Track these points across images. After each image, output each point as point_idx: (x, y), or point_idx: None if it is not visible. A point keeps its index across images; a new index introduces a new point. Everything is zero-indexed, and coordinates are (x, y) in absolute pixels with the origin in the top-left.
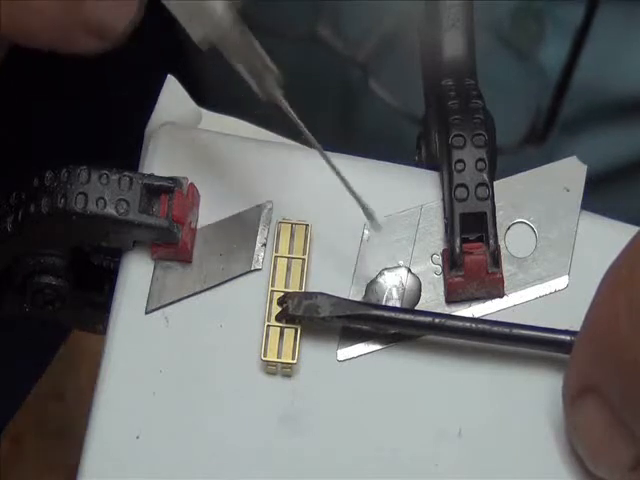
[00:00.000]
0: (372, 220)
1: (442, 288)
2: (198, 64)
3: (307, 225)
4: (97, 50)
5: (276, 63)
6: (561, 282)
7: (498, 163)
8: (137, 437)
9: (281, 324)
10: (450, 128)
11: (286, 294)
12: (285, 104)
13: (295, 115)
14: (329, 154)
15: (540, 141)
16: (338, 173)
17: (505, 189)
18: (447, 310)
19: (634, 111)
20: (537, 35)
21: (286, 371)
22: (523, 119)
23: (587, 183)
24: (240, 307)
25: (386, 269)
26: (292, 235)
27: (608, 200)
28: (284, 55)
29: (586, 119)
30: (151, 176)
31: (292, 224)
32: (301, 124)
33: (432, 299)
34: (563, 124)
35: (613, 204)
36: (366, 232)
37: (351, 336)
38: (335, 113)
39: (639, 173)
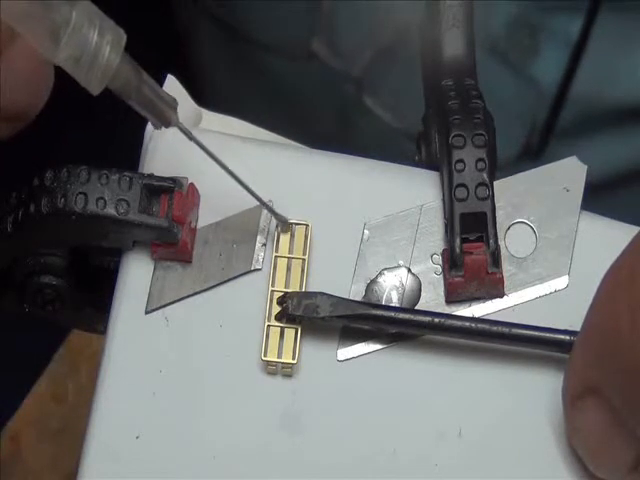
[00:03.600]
0: (275, 214)
1: (442, 288)
2: (198, 64)
3: (307, 225)
4: (10, 134)
5: (272, 79)
6: (561, 282)
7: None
8: (137, 437)
9: (281, 324)
10: (450, 128)
11: (286, 294)
12: (185, 128)
13: (196, 139)
14: (329, 153)
15: (536, 156)
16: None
17: (505, 189)
18: (447, 310)
19: (630, 119)
20: (531, 48)
21: (286, 371)
22: (518, 133)
23: (585, 191)
24: (240, 307)
25: (386, 269)
26: (292, 235)
27: (606, 209)
28: (280, 71)
29: (582, 129)
30: (151, 176)
31: (292, 224)
32: (206, 148)
33: (432, 299)
34: (559, 134)
35: (611, 213)
36: (366, 232)
37: (351, 336)
38: (330, 127)
39: (636, 181)
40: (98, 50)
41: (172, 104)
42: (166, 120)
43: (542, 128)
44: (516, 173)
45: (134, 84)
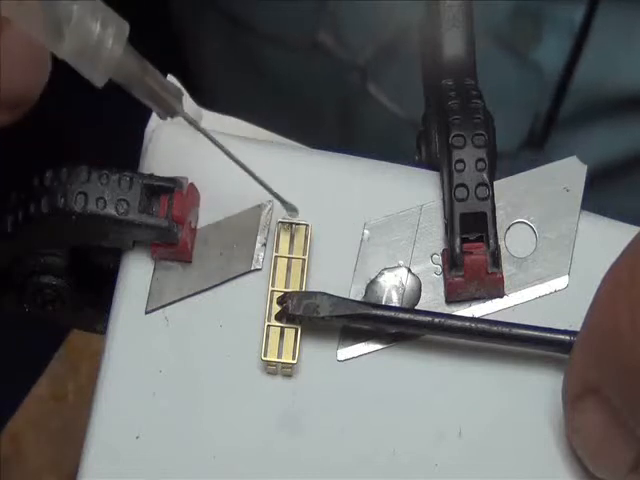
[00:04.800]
0: (284, 203)
1: (442, 288)
2: (198, 64)
3: (307, 225)
4: (12, 121)
5: (274, 70)
6: (561, 282)
7: (497, 168)
8: (137, 437)
9: (281, 324)
10: (450, 128)
11: (286, 294)
12: (190, 118)
13: (202, 128)
14: (329, 153)
15: (539, 145)
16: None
17: (505, 189)
18: (447, 310)
19: (633, 107)
20: (534, 36)
21: (286, 371)
22: (521, 122)
23: (586, 181)
24: (240, 307)
25: (386, 269)
26: (292, 235)
27: (607, 198)
28: (285, 61)
29: (585, 117)
30: (151, 176)
31: (292, 224)
32: (210, 135)
33: (432, 299)
34: (561, 122)
35: (612, 201)
36: (366, 232)
37: (351, 336)
38: (335, 118)
39: (637, 170)
40: (101, 43)
41: (177, 94)
42: (171, 110)
43: (545, 116)
44: (519, 162)
45: (138, 75)
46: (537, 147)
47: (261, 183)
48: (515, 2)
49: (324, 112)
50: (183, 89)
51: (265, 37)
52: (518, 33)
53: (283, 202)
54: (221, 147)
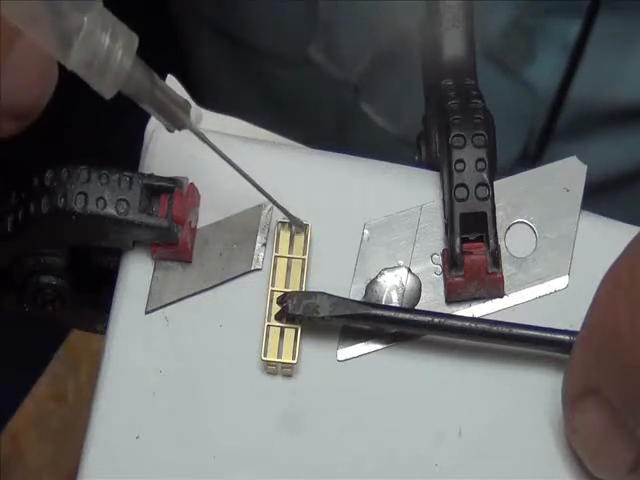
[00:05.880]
0: (292, 218)
1: (442, 288)
2: (198, 64)
3: (307, 225)
4: (19, 131)
5: (270, 85)
6: (561, 282)
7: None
8: (137, 437)
9: (281, 324)
10: (450, 128)
11: (286, 294)
12: (199, 131)
13: (210, 141)
14: (329, 153)
15: (534, 161)
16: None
17: (505, 189)
18: (447, 310)
19: (628, 122)
20: (528, 52)
21: (286, 371)
22: (516, 139)
23: (584, 192)
24: (240, 307)
25: (386, 269)
26: (292, 235)
27: (604, 211)
28: (277, 77)
29: (579, 133)
30: (151, 176)
31: (292, 224)
32: (218, 149)
33: (432, 299)
34: (556, 139)
35: (609, 215)
36: (366, 232)
37: (351, 336)
38: (328, 135)
39: (634, 183)
40: (110, 55)
41: (185, 107)
42: (179, 123)
43: (539, 133)
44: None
45: (147, 87)
46: (532, 163)
47: (269, 197)
48: (508, 17)
49: (318, 127)
50: (184, 89)
51: (259, 52)
52: (511, 49)
53: (291, 217)
54: (230, 162)
